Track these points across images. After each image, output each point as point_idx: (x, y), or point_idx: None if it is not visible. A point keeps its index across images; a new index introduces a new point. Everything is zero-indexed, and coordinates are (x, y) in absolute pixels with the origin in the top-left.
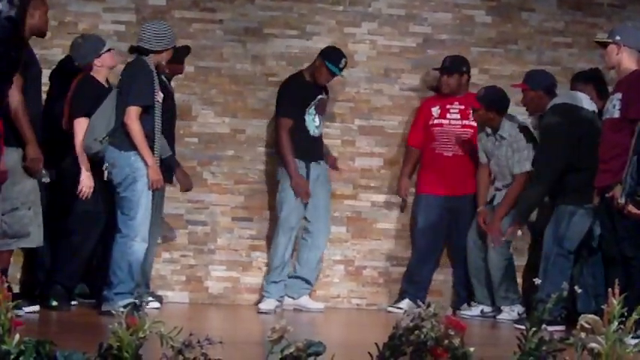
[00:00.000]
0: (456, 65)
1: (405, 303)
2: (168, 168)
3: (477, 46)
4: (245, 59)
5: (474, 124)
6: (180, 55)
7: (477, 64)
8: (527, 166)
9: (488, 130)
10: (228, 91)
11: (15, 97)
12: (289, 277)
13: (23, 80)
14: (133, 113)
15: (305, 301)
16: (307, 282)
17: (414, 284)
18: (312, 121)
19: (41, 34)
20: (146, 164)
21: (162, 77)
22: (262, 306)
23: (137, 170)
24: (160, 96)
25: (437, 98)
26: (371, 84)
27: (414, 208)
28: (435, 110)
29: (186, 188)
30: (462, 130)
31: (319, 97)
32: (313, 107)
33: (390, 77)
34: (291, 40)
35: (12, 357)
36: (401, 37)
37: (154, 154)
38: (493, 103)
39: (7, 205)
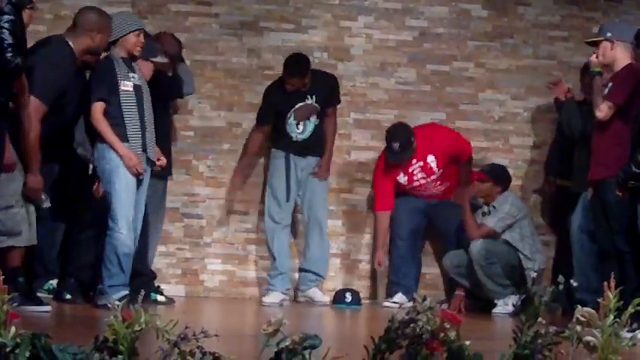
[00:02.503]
0: (405, 144)
1: (399, 297)
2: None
3: (473, 40)
4: (241, 53)
5: (441, 171)
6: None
7: (472, 58)
8: (494, 227)
9: (485, 208)
10: (224, 85)
11: (31, 121)
12: (301, 270)
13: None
14: (93, 110)
15: (312, 292)
16: (315, 274)
17: (402, 276)
18: (295, 129)
19: (95, 54)
20: (119, 155)
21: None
22: (266, 299)
23: (110, 161)
24: (125, 85)
25: (394, 165)
26: (367, 78)
27: (395, 207)
28: (401, 177)
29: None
30: (434, 182)
31: (299, 104)
32: (292, 116)
33: (386, 71)
34: (287, 34)
35: (7, 350)
36: (397, 30)
37: (128, 141)
38: (500, 178)
39: (2, 202)
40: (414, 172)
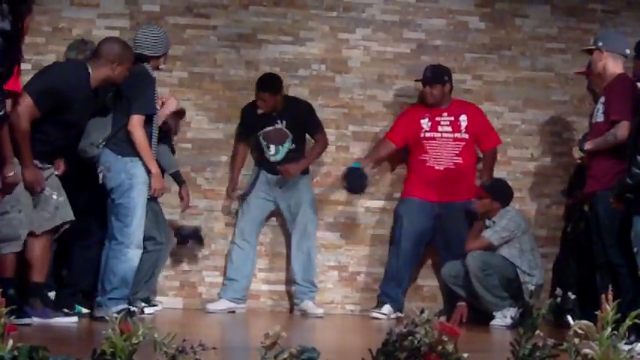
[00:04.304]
0: (438, 75)
1: (387, 308)
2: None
3: (471, 52)
4: (239, 65)
5: (466, 135)
6: None
7: (470, 70)
8: (490, 238)
9: (488, 222)
10: (221, 97)
11: (19, 118)
12: (295, 283)
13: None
14: (136, 121)
15: (305, 305)
16: (306, 286)
17: (395, 287)
18: (267, 150)
19: (114, 84)
20: (148, 172)
21: None
22: (210, 305)
23: (134, 177)
24: (158, 103)
25: (424, 109)
26: (365, 90)
27: (398, 210)
28: (425, 123)
29: (186, 207)
30: (455, 143)
31: (268, 128)
32: (261, 136)
33: (384, 83)
34: (285, 46)
35: None
36: (395, 42)
37: None
38: (498, 194)
39: None
40: (441, 122)
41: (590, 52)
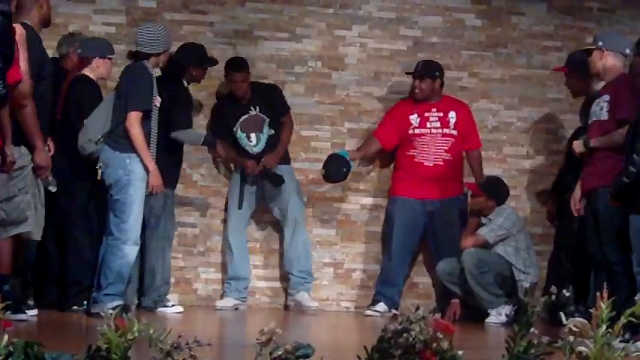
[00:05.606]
0: (429, 70)
1: (381, 306)
2: (176, 170)
3: (467, 50)
4: None
5: (455, 132)
6: (207, 64)
7: (466, 68)
8: (485, 236)
9: (484, 220)
10: (218, 94)
11: (25, 97)
12: (289, 274)
13: (35, 81)
14: (134, 118)
15: (300, 297)
16: (300, 277)
17: (389, 287)
18: (247, 142)
19: (47, 25)
20: (146, 169)
21: (184, 82)
22: (219, 303)
23: (131, 173)
24: (157, 100)
25: (413, 105)
26: (361, 87)
27: (389, 210)
28: (414, 119)
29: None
30: (443, 139)
31: (243, 117)
32: (239, 128)
33: (381, 80)
34: (282, 43)
35: (0, 358)
36: (391, 40)
37: None
38: (492, 192)
39: (4, 193)
40: (430, 118)
41: (588, 51)
